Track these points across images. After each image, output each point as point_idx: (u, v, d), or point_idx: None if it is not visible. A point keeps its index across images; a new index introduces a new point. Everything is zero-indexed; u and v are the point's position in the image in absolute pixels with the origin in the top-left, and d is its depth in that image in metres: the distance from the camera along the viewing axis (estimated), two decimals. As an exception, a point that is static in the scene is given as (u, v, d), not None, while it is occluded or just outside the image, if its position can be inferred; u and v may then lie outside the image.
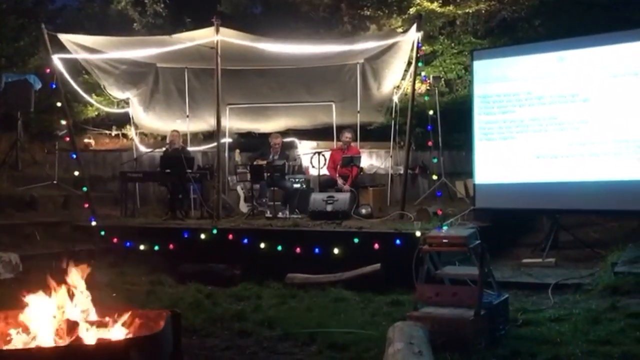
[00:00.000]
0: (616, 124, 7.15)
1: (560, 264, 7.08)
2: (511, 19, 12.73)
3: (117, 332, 3.61)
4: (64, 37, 8.90)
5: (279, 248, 7.22)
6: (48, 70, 8.73)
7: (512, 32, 12.63)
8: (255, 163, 9.22)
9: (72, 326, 3.55)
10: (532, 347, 4.28)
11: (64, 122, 8.87)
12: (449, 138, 10.80)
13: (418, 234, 6.48)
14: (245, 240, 7.43)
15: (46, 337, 3.51)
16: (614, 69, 7.17)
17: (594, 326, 4.75)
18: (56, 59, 8.79)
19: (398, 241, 6.73)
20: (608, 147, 7.18)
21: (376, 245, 6.80)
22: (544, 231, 7.99)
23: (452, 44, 13.10)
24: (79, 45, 9.11)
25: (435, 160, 9.69)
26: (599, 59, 7.29)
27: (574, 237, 7.76)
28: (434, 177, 9.56)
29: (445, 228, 5.34)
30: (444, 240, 4.77)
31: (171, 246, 7.65)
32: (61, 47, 8.94)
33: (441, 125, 10.20)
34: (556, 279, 6.26)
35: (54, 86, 8.71)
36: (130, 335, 3.57)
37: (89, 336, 3.52)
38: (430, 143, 9.15)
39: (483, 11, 12.79)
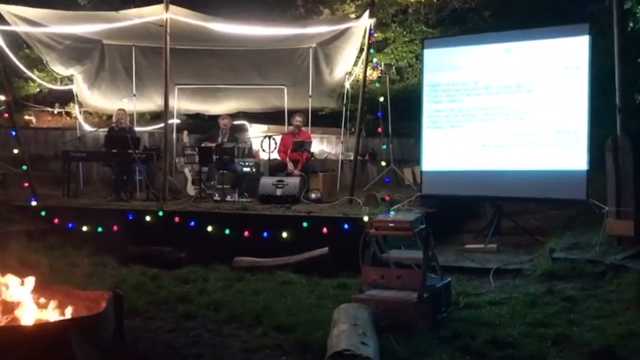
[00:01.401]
0: (558, 115, 7.38)
1: (501, 250, 7.29)
2: (462, 10, 12.92)
3: (56, 312, 3.52)
4: (2, 8, 8.51)
5: (227, 231, 7.17)
6: (-15, 43, 8.34)
7: (463, 23, 12.82)
8: (203, 145, 9.09)
9: (8, 307, 3.43)
10: (472, 329, 4.41)
11: (2, 98, 8.50)
12: (398, 125, 10.92)
13: (366, 218, 6.55)
14: (192, 223, 7.33)
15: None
16: (557, 62, 7.39)
17: (531, 309, 4.93)
18: (-6, 31, 8.41)
19: (346, 226, 6.79)
20: (550, 137, 7.42)
21: (325, 230, 6.84)
22: (487, 218, 8.21)
23: (404, 32, 13.19)
24: (19, 17, 8.74)
25: (384, 147, 9.79)
26: (543, 51, 7.50)
27: (516, 224, 8.01)
28: (383, 163, 9.65)
29: (392, 213, 5.41)
30: (390, 225, 4.84)
31: (115, 228, 7.46)
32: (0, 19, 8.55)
33: (391, 113, 10.30)
34: (497, 264, 6.45)
35: (-9, 59, 8.34)
36: (69, 316, 3.48)
37: (27, 317, 3.42)
38: (380, 130, 9.23)
39: (435, 0, 12.93)
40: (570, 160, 7.28)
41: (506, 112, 7.69)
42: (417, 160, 9.16)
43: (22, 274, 3.81)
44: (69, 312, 3.56)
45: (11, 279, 3.68)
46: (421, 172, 8.34)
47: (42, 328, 3.28)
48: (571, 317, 4.65)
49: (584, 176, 7.18)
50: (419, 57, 11.72)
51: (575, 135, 7.26)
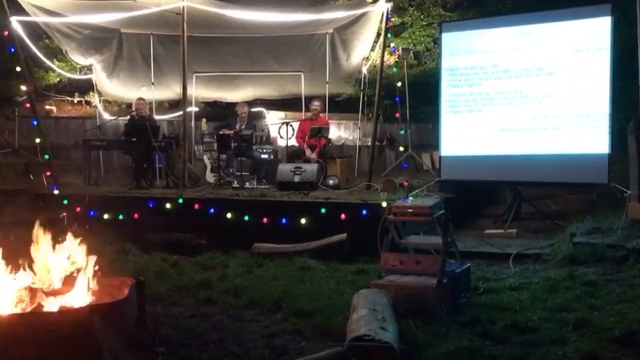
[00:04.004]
0: (579, 98, 7.28)
1: (521, 235, 7.25)
2: (480, -8, 12.75)
3: (80, 299, 3.58)
4: (22, -1, 8.60)
5: (246, 218, 7.21)
6: (6, 33, 8.40)
7: (481, 6, 12.63)
8: (222, 132, 9.13)
9: (33, 293, 3.51)
10: (492, 314, 4.40)
11: (24, 88, 8.61)
12: (416, 110, 10.85)
13: (384, 204, 6.53)
14: (212, 210, 7.38)
15: (7, 305, 3.45)
16: (579, 44, 7.27)
17: (552, 294, 4.90)
18: (14, 22, 8.48)
19: (364, 211, 6.78)
20: (570, 120, 7.32)
21: (343, 216, 6.85)
22: (507, 203, 8.15)
23: (422, 16, 13.05)
24: (38, 7, 8.83)
25: (402, 132, 9.75)
26: (563, 33, 7.38)
27: (536, 209, 7.94)
28: (401, 149, 9.63)
29: (410, 199, 5.40)
30: (409, 210, 4.84)
31: (136, 215, 7.55)
32: (19, 10, 8.64)
33: (409, 98, 10.24)
34: (517, 249, 6.42)
35: (12, 50, 8.40)
36: (93, 303, 3.54)
37: (52, 303, 3.49)
38: (398, 115, 9.19)
39: (452, -17, 12.78)
40: (591, 143, 7.18)
41: (526, 96, 7.59)
42: (435, 145, 9.11)
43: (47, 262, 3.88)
44: (93, 299, 3.62)
45: (36, 267, 3.76)
46: (440, 157, 8.30)
47: (67, 315, 3.34)
48: (592, 302, 4.61)
49: (605, 160, 7.08)
50: (436, 41, 11.60)
51: (597, 119, 7.15)
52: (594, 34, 7.18)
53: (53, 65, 10.93)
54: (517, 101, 7.64)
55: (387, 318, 3.79)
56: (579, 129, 7.26)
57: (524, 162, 7.56)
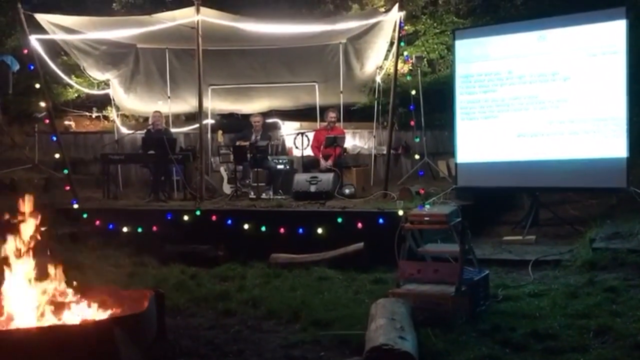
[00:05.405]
0: (595, 103, 7.22)
1: (540, 241, 7.19)
2: (493, -2, 12.72)
3: (101, 312, 3.63)
4: (41, 17, 8.75)
5: (263, 229, 7.24)
6: (26, 51, 8.57)
7: (494, 12, 12.59)
8: (238, 144, 9.19)
9: (55, 306, 3.56)
10: (512, 321, 4.37)
11: (43, 104, 8.75)
12: (431, 118, 10.81)
13: (401, 212, 6.53)
14: (229, 222, 7.43)
15: (29, 318, 3.51)
16: (593, 48, 7.23)
17: (572, 300, 4.85)
18: (34, 40, 8.63)
19: (381, 220, 6.78)
20: (587, 125, 7.27)
21: (359, 225, 6.86)
22: (525, 209, 8.09)
23: (435, 24, 13.03)
24: (56, 25, 8.97)
25: (417, 140, 9.72)
26: (578, 37, 7.34)
27: (554, 215, 7.88)
28: (417, 156, 9.59)
29: (427, 207, 5.39)
30: (426, 218, 4.84)
31: (154, 228, 7.62)
32: (38, 28, 8.79)
33: (424, 105, 10.22)
34: (536, 256, 6.37)
35: (32, 67, 8.56)
36: (114, 315, 3.58)
37: (73, 316, 3.54)
38: (412, 123, 9.16)
39: (465, -10, 12.76)
40: (609, 147, 7.12)
41: (541, 101, 7.55)
42: (451, 153, 9.07)
43: (67, 275, 3.94)
44: (113, 312, 3.67)
45: (58, 280, 3.81)
46: (456, 164, 8.27)
47: (88, 327, 3.38)
48: (614, 308, 4.56)
49: (624, 163, 7.02)
50: (450, 49, 11.58)
51: (614, 122, 7.09)
52: (609, 38, 7.13)
53: (71, 81, 11.11)
54: (533, 107, 7.60)
55: (405, 327, 3.78)
56: (596, 133, 7.20)
57: (541, 168, 7.51)
